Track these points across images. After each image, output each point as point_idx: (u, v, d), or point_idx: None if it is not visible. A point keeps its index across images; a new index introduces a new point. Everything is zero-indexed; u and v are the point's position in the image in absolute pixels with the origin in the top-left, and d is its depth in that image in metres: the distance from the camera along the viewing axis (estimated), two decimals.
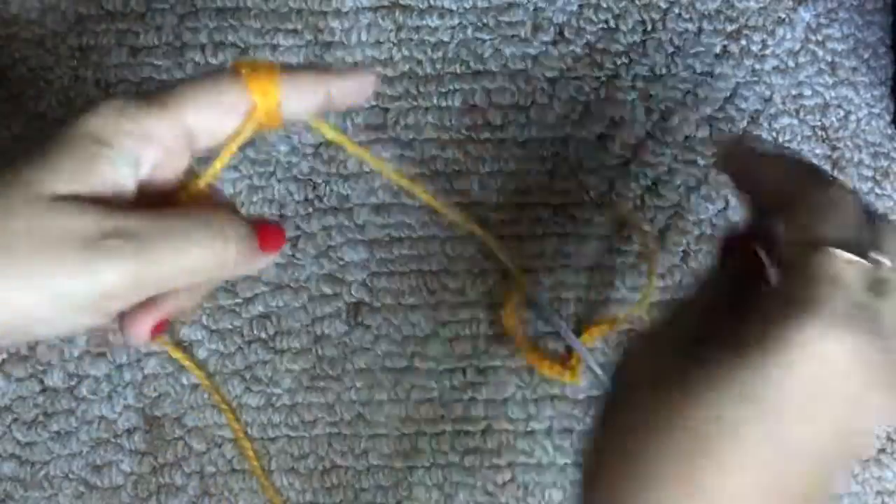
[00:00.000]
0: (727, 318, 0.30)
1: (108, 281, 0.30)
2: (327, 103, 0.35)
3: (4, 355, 0.52)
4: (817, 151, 0.54)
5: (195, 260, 0.32)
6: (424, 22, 0.55)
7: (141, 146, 0.32)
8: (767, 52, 0.55)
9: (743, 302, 0.31)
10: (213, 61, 0.54)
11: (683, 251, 0.53)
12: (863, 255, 0.29)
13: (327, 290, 0.52)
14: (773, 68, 0.55)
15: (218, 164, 0.35)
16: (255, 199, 0.53)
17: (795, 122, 0.54)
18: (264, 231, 0.35)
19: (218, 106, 0.33)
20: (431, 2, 0.55)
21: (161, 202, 0.34)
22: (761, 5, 0.55)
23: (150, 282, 0.31)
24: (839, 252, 0.29)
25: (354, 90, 0.36)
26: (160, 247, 0.31)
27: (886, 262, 0.29)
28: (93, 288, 0.30)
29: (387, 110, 0.54)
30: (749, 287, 0.31)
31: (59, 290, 0.30)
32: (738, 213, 0.53)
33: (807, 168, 0.34)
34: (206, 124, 0.34)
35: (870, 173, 0.54)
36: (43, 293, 0.30)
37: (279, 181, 0.53)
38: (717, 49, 0.55)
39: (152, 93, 0.33)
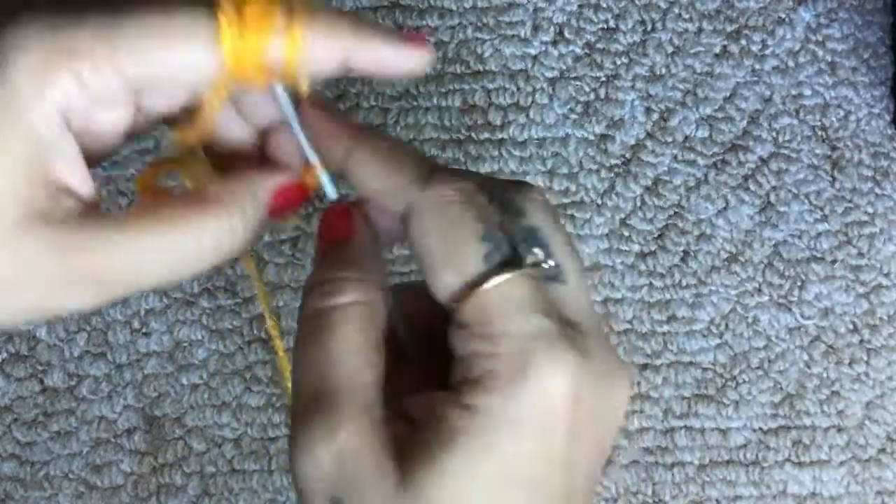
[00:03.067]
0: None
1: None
2: (345, 66, 0.26)
3: (4, 355, 0.52)
4: (817, 151, 0.54)
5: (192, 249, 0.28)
6: (424, 22, 0.55)
7: (65, 107, 0.25)
8: (767, 52, 0.55)
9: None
10: None
11: (683, 251, 0.53)
12: (518, 261, 0.25)
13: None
14: (773, 68, 0.55)
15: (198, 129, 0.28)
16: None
17: (795, 122, 0.54)
18: (276, 198, 0.28)
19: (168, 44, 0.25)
20: (431, 2, 0.55)
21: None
22: (761, 5, 0.55)
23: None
24: (495, 281, 0.24)
25: (393, 60, 0.27)
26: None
27: (548, 261, 0.25)
28: None
29: (387, 110, 0.54)
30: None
31: None
32: (737, 213, 0.54)
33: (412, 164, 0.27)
34: (154, 69, 0.25)
35: (870, 173, 0.54)
36: None
37: None
38: (717, 49, 0.55)
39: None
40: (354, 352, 0.26)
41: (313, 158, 0.29)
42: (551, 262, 0.25)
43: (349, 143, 0.27)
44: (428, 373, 0.29)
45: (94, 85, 0.25)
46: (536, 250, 0.25)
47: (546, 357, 0.24)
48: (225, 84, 0.26)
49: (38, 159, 0.25)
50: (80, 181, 0.26)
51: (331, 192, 0.29)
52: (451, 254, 0.25)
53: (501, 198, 0.26)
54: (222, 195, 0.28)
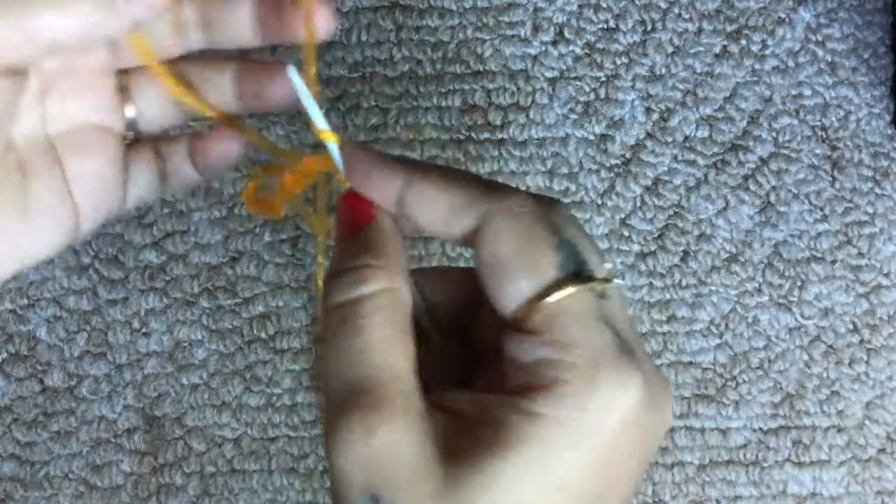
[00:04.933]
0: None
1: None
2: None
3: (4, 355, 0.52)
4: (817, 151, 0.54)
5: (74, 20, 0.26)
6: (424, 22, 0.54)
7: None
8: (767, 52, 0.55)
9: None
10: None
11: (683, 251, 0.53)
12: (583, 276, 0.25)
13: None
14: (773, 68, 0.55)
15: None
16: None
17: (795, 122, 0.54)
18: None
19: None
20: (431, 2, 0.55)
21: None
22: (761, 5, 0.55)
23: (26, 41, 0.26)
24: (568, 290, 0.25)
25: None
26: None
27: (614, 278, 0.26)
28: None
29: (387, 110, 0.54)
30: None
31: None
32: (737, 213, 0.54)
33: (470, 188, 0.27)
34: None
35: (870, 173, 0.54)
36: None
37: None
38: (717, 49, 0.55)
39: None
40: (387, 341, 0.25)
41: (323, 125, 0.29)
42: (619, 281, 0.25)
43: (404, 174, 0.27)
44: (451, 363, 0.29)
45: None
46: (608, 265, 0.25)
47: (616, 371, 0.24)
48: None
49: None
50: None
51: (339, 162, 0.29)
52: (528, 261, 0.25)
53: (549, 215, 0.26)
54: None
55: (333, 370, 0.25)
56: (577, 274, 0.25)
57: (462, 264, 0.53)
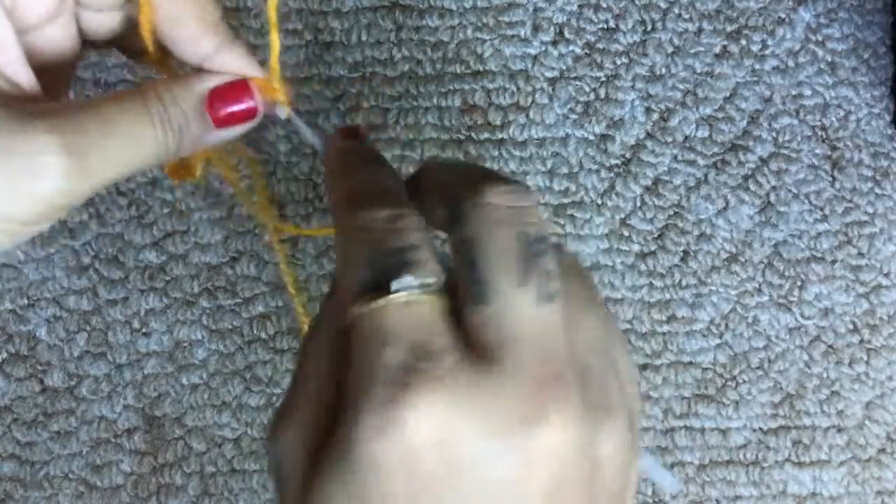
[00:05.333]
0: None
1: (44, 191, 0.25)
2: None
3: (4, 355, 0.52)
4: (817, 151, 0.54)
5: (129, 153, 0.27)
6: (424, 22, 0.55)
7: None
8: (767, 52, 0.55)
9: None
10: None
11: (683, 251, 0.53)
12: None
13: (327, 290, 0.52)
14: (773, 68, 0.55)
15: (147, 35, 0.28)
16: (254, 199, 0.53)
17: (795, 122, 0.54)
18: (214, 100, 0.28)
19: None
20: (431, 2, 0.55)
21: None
22: (761, 5, 0.55)
23: (87, 186, 0.26)
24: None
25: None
26: (88, 143, 0.26)
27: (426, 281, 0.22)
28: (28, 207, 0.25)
29: (387, 110, 0.54)
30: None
31: None
32: (737, 213, 0.54)
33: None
34: None
35: (870, 173, 0.54)
36: None
37: (279, 181, 0.53)
38: (717, 49, 0.55)
39: None
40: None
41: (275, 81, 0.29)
42: (429, 281, 0.22)
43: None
44: None
45: None
46: (408, 277, 0.22)
47: (411, 393, 0.20)
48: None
49: None
50: (16, 67, 0.27)
51: (304, 130, 0.29)
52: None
53: (454, 199, 0.24)
54: (145, 88, 0.28)
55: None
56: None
57: None
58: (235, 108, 0.28)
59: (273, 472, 0.24)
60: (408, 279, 0.22)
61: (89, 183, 0.26)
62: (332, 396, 0.23)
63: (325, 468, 0.21)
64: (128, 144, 0.27)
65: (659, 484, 0.27)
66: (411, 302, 0.22)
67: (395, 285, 0.22)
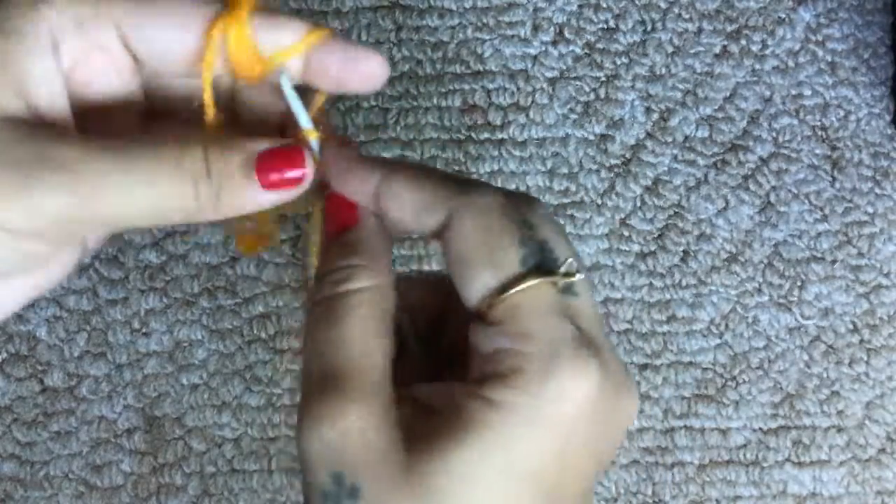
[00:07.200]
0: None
1: (44, 213, 0.25)
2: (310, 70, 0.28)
3: (4, 355, 0.52)
4: (817, 151, 0.54)
5: (148, 202, 0.26)
6: (424, 22, 0.55)
7: (54, 26, 0.26)
8: (767, 52, 0.55)
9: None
10: None
11: (683, 251, 0.53)
12: (547, 268, 0.26)
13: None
14: (773, 68, 0.55)
15: (207, 95, 0.28)
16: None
17: (795, 122, 0.54)
18: (264, 161, 0.27)
19: (164, 13, 0.27)
20: (431, 2, 0.55)
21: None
22: (761, 5, 0.55)
23: (93, 221, 0.26)
24: (529, 283, 0.25)
25: (354, 73, 0.28)
26: (101, 183, 0.25)
27: (576, 273, 0.26)
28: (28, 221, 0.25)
29: (387, 110, 0.54)
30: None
31: None
32: (737, 213, 0.54)
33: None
34: (149, 32, 0.27)
35: (870, 173, 0.54)
36: None
37: None
38: (717, 49, 0.55)
39: None
40: (367, 332, 0.26)
41: (306, 123, 0.28)
42: (581, 276, 0.26)
43: (380, 172, 0.28)
44: (427, 366, 0.29)
45: (85, 19, 0.26)
46: (571, 261, 0.26)
47: (572, 362, 0.24)
48: (214, 52, 0.27)
49: (15, 61, 0.26)
50: (59, 108, 0.27)
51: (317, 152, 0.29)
52: (491, 255, 0.26)
53: (518, 212, 0.27)
54: (191, 140, 0.27)
55: (312, 358, 0.26)
56: (539, 268, 0.26)
57: None
58: (289, 174, 0.27)
59: (322, 465, 0.25)
60: (573, 264, 0.26)
61: (90, 211, 0.26)
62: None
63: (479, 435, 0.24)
64: (148, 193, 0.26)
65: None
66: (573, 287, 0.26)
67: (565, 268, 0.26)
